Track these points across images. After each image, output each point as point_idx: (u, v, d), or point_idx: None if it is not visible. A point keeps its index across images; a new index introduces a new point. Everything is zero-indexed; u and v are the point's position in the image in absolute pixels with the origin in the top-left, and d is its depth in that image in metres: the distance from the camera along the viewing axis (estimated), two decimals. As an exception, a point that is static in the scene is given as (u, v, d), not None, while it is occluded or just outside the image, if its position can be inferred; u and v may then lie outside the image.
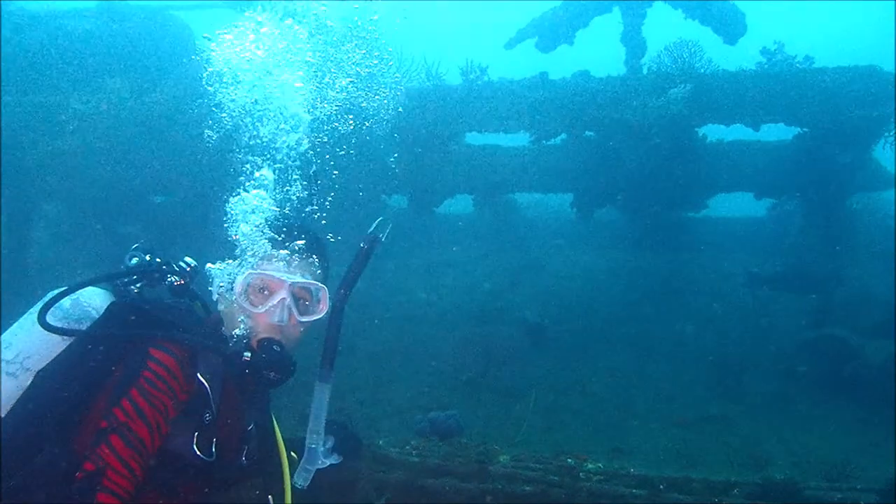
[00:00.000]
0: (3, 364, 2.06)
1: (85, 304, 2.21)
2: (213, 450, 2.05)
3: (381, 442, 4.82)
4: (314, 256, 2.29)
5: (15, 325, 2.18)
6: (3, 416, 2.00)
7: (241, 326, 2.21)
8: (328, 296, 2.28)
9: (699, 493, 4.32)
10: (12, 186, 8.41)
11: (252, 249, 2.25)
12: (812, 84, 6.51)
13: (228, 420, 2.13)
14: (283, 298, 2.20)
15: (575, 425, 6.51)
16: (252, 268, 2.22)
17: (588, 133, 7.08)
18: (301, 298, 2.26)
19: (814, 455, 5.58)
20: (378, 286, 9.94)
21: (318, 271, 2.31)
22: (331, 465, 2.27)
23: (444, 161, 8.07)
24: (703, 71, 6.64)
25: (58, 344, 2.10)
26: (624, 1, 8.22)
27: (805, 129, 6.98)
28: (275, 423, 2.45)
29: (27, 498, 1.82)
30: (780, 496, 4.23)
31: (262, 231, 2.27)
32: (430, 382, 7.44)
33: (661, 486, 4.37)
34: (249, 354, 2.16)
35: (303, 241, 2.27)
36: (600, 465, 4.55)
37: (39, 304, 2.15)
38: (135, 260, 2.33)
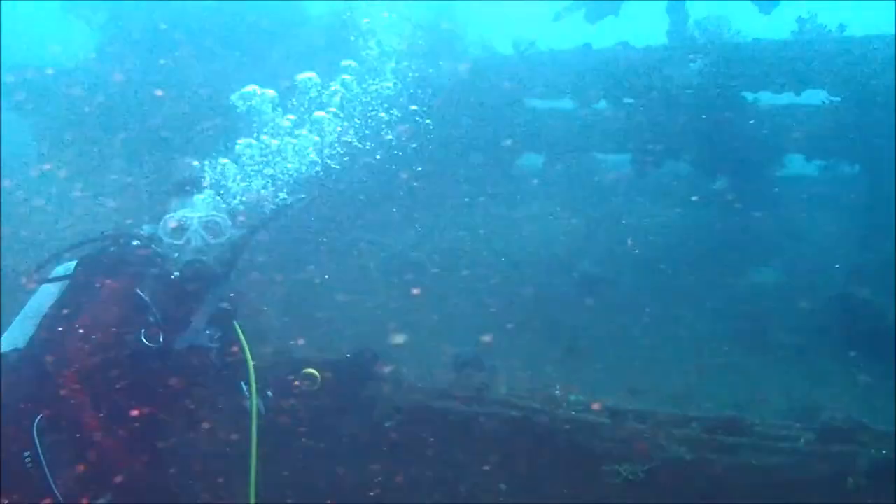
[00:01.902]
0: (28, 313, 3.29)
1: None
2: (161, 341, 3.14)
3: (404, 370, 5.76)
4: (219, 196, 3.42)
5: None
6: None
7: (174, 256, 3.31)
8: (228, 224, 3.39)
9: (662, 424, 5.00)
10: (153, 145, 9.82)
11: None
12: (839, 52, 6.76)
13: (171, 320, 3.20)
14: (195, 229, 3.31)
15: (602, 368, 7.19)
16: (169, 213, 3.35)
17: (627, 100, 7.62)
18: (211, 227, 3.37)
19: (808, 402, 6.05)
20: (457, 236, 10.81)
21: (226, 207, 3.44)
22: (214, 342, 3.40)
23: (506, 123, 8.77)
24: (729, 42, 7.00)
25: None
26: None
27: (835, 98, 7.23)
28: (239, 330, 3.53)
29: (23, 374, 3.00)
30: (732, 430, 4.86)
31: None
32: (486, 324, 8.27)
33: (629, 417, 5.09)
34: (178, 273, 3.24)
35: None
36: (581, 397, 5.29)
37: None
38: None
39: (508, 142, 9.25)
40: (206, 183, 3.69)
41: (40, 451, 3.05)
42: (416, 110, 7.59)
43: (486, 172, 9.90)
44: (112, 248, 3.49)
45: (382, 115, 5.58)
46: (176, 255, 3.49)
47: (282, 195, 4.55)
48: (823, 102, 7.40)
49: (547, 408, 5.16)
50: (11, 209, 8.09)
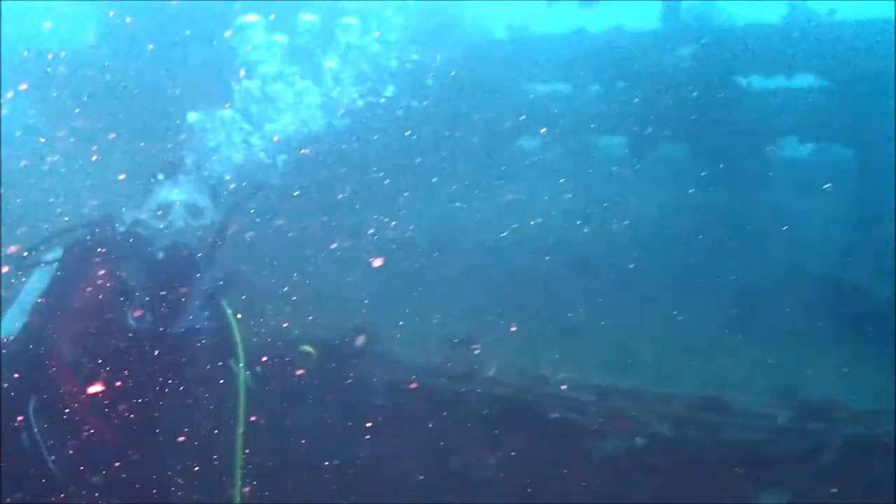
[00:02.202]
0: (23, 300, 3.44)
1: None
2: (149, 322, 3.27)
3: (397, 349, 5.91)
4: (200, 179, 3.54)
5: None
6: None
7: (158, 238, 3.44)
8: (210, 206, 3.51)
9: (646, 402, 5.15)
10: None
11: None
12: (829, 37, 6.84)
13: (157, 299, 3.34)
14: (177, 211, 3.43)
15: (594, 348, 7.33)
16: (151, 196, 3.47)
17: (620, 83, 7.72)
18: (193, 209, 3.48)
19: (791, 381, 6.18)
20: (452, 217, 10.92)
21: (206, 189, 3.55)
22: None
23: (502, 106, 8.87)
24: (720, 26, 7.09)
25: None
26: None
27: (825, 82, 7.32)
28: (226, 309, 3.66)
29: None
30: (713, 407, 5.01)
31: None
32: (478, 304, 8.41)
33: (615, 395, 5.23)
34: (162, 254, 3.37)
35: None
36: (568, 376, 5.44)
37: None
38: None
39: (505, 124, 9.34)
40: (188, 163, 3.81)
41: (37, 433, 3.21)
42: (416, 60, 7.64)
43: (481, 154, 10.00)
44: (97, 233, 3.62)
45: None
46: (160, 237, 3.62)
47: (281, 157, 4.65)
48: (815, 86, 7.49)
49: (535, 386, 5.31)
50: (14, 192, 8.21)
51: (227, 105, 5.18)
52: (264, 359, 4.15)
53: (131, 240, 3.60)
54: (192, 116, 4.97)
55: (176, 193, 3.66)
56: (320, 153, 7.10)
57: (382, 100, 6.62)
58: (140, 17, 10.32)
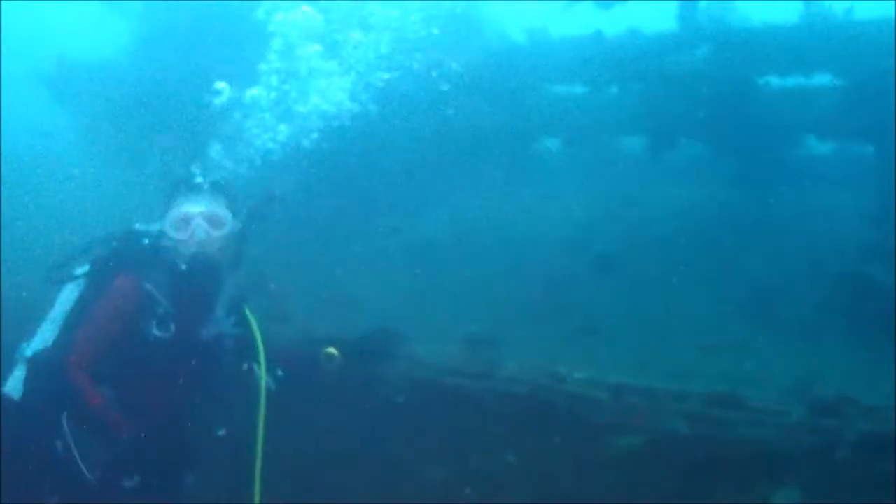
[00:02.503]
0: (55, 314, 3.59)
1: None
2: (173, 331, 3.41)
3: (417, 347, 6.04)
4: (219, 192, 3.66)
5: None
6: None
7: (181, 250, 3.57)
8: (230, 216, 3.62)
9: (660, 399, 5.23)
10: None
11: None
12: (846, 35, 6.86)
13: (181, 309, 3.47)
14: (198, 223, 3.54)
15: (611, 346, 7.39)
16: (172, 209, 3.60)
17: (638, 84, 7.80)
18: (213, 220, 3.60)
19: (807, 378, 6.21)
20: (477, 217, 11.03)
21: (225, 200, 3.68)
22: None
23: (521, 108, 8.97)
24: (736, 27, 7.15)
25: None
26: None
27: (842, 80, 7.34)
28: (249, 314, 3.79)
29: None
30: (727, 404, 5.08)
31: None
32: (499, 303, 8.51)
33: (630, 392, 5.33)
34: (185, 266, 3.50)
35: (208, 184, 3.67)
36: (584, 374, 5.53)
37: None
38: None
39: (525, 125, 9.44)
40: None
41: (71, 441, 3.37)
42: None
43: (502, 155, 10.10)
44: (122, 247, 3.74)
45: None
46: (182, 249, 3.72)
47: (312, 135, 4.71)
48: (833, 85, 7.51)
49: (552, 384, 5.42)
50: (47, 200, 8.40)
51: (255, 87, 5.25)
52: (288, 361, 4.27)
53: (155, 252, 3.71)
54: (220, 88, 5.01)
55: (195, 205, 3.75)
56: (346, 143, 7.14)
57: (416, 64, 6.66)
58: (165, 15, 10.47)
